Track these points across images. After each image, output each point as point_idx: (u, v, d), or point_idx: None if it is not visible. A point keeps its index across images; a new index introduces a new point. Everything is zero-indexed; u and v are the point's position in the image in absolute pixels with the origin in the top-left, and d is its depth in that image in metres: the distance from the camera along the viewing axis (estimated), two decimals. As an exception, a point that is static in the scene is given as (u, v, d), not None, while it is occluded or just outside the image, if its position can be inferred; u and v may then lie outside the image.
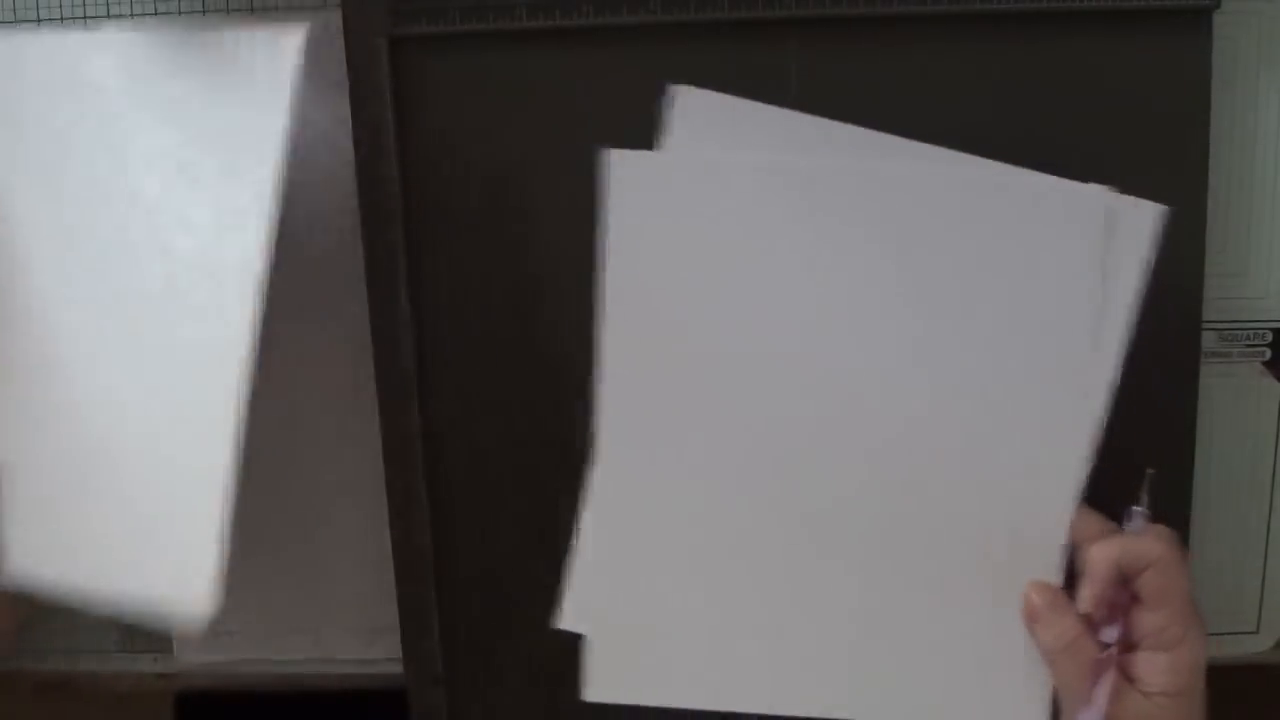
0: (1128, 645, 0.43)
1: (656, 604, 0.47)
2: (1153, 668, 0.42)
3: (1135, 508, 0.44)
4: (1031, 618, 0.45)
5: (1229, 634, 0.52)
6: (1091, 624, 0.43)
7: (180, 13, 0.50)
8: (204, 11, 0.50)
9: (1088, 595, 0.43)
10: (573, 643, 0.50)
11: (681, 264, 0.45)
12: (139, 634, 0.55)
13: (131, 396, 0.45)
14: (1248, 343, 0.50)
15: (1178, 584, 0.42)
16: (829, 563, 0.46)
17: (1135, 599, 0.43)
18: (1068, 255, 0.43)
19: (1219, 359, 0.50)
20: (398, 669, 0.52)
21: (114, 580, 0.45)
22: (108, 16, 0.50)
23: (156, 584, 0.44)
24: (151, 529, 0.44)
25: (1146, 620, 0.42)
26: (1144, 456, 0.48)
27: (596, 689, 0.47)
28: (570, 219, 0.48)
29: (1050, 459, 0.44)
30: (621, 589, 0.47)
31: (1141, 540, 0.43)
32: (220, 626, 0.53)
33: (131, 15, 0.50)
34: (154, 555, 0.44)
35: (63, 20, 0.50)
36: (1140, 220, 0.42)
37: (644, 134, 0.47)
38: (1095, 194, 0.43)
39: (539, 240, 0.48)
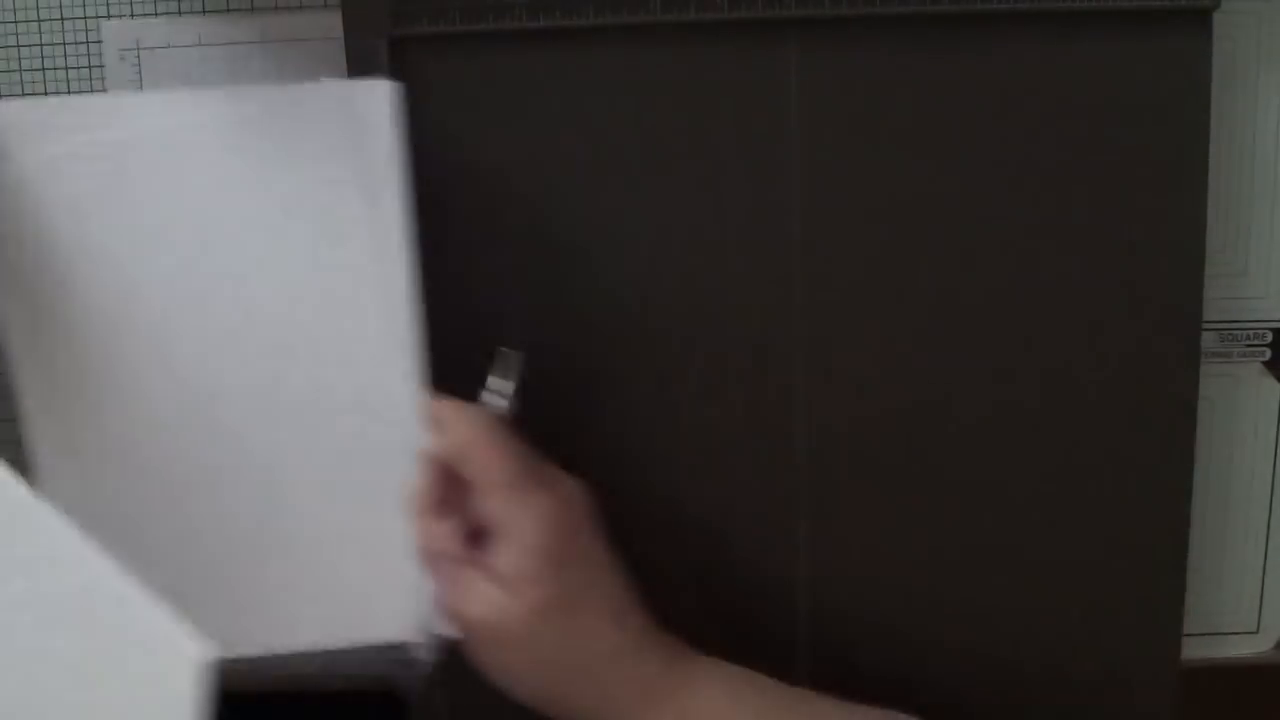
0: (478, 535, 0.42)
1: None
2: (497, 554, 0.41)
3: (483, 389, 0.43)
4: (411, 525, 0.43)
5: (1229, 634, 0.52)
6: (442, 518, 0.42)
7: (180, 13, 0.50)
8: (204, 12, 0.50)
9: (412, 492, 0.42)
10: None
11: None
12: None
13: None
14: (1248, 343, 0.50)
15: (489, 465, 0.41)
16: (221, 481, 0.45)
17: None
18: (327, 154, 0.43)
19: (1219, 359, 0.50)
20: (397, 669, 0.52)
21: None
22: (108, 17, 0.50)
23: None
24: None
25: (480, 507, 0.41)
26: (1144, 456, 0.48)
27: None
28: (570, 217, 0.48)
29: (378, 351, 0.44)
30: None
31: (454, 427, 0.42)
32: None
33: (132, 16, 0.50)
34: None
35: (63, 20, 0.51)
36: (376, 99, 0.43)
37: (644, 133, 0.47)
38: (324, 89, 0.43)
39: (539, 238, 0.48)
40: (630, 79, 0.47)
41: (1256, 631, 0.52)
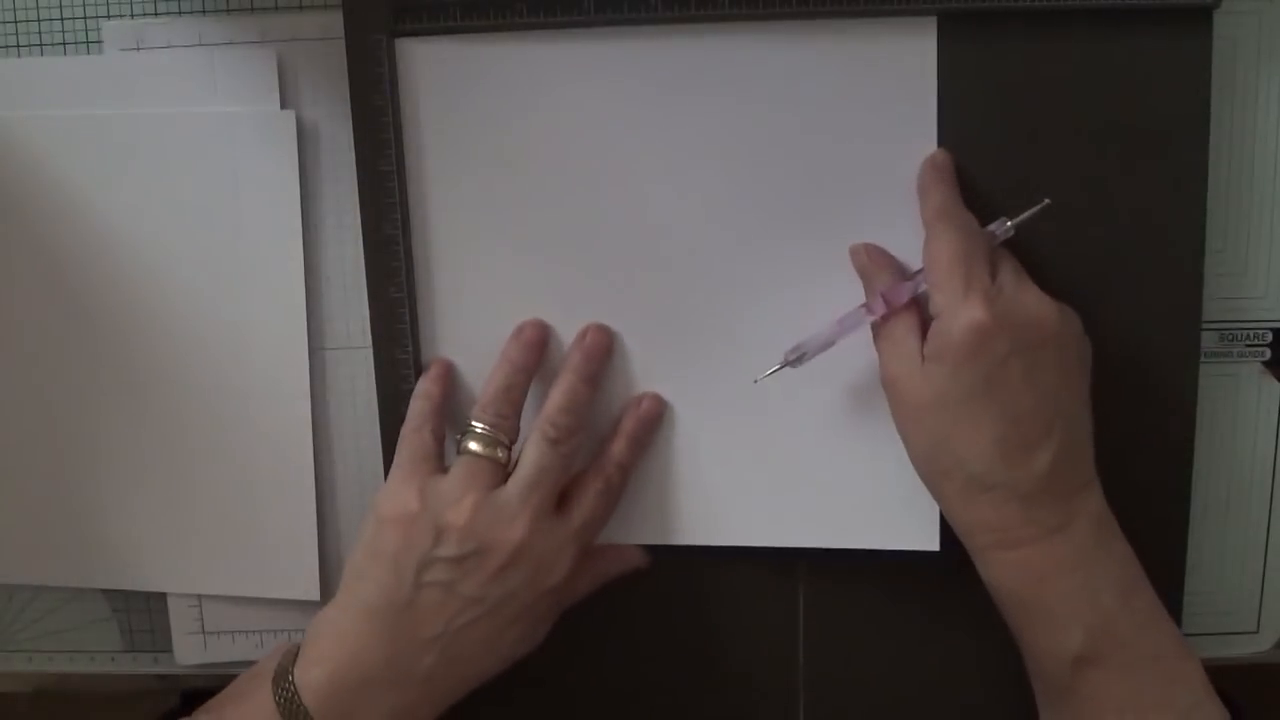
0: None
1: None
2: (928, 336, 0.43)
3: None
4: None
5: (1229, 634, 0.52)
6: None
7: (180, 13, 0.50)
8: (204, 12, 0.50)
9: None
10: (574, 637, 0.50)
11: (504, 146, 0.47)
12: (139, 634, 0.55)
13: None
14: (1248, 343, 0.50)
15: (939, 253, 0.42)
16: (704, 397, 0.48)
17: None
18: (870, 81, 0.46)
19: (1219, 359, 0.50)
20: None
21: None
22: (108, 17, 0.50)
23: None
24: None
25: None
26: (1144, 456, 0.48)
27: None
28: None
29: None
30: None
31: (933, 225, 0.44)
32: (219, 628, 0.54)
33: (131, 16, 0.50)
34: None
35: (63, 20, 0.51)
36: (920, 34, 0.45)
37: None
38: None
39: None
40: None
41: (1256, 631, 0.52)
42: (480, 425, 0.45)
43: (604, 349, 0.48)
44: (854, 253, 0.46)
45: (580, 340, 0.48)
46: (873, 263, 0.46)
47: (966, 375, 0.41)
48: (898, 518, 0.48)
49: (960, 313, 0.41)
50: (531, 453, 0.45)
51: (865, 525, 0.49)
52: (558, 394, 0.46)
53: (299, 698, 0.42)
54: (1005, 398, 0.41)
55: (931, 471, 0.43)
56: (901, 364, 0.43)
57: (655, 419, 0.48)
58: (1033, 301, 0.42)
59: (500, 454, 0.45)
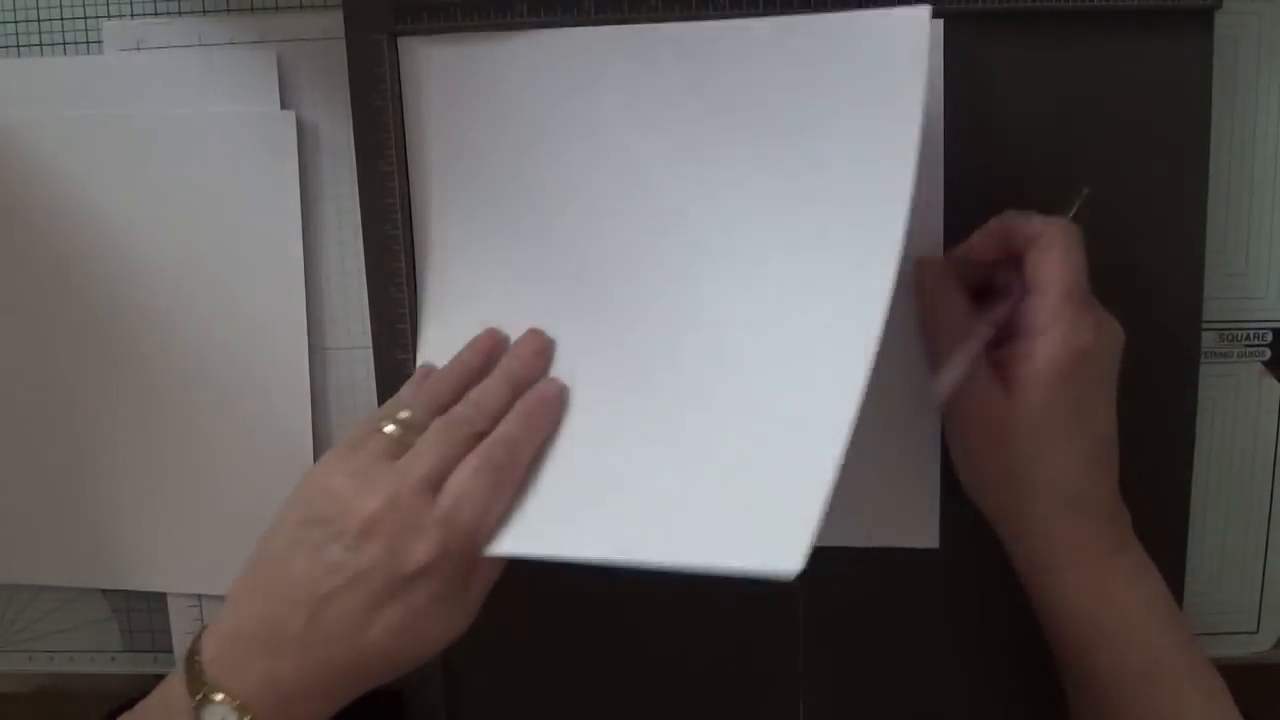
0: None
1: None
2: (1013, 352, 0.42)
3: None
4: (918, 292, 0.45)
5: (1229, 634, 0.52)
6: (972, 308, 0.43)
7: (180, 13, 0.50)
8: (204, 12, 0.50)
9: (969, 243, 0.44)
10: (573, 641, 0.50)
11: (495, 137, 0.47)
12: (139, 634, 0.55)
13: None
14: (1248, 343, 0.50)
15: (1055, 269, 0.41)
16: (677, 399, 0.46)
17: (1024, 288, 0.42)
18: (851, 79, 0.43)
19: (1219, 359, 0.50)
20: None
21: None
22: (108, 17, 0.50)
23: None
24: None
25: (1025, 306, 0.42)
26: (1144, 456, 0.48)
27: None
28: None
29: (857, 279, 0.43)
30: None
31: (1031, 217, 0.43)
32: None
33: (132, 16, 0.50)
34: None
35: (63, 20, 0.51)
36: (914, 29, 0.42)
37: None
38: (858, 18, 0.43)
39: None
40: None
41: (1256, 631, 0.52)
42: (406, 413, 0.45)
43: (541, 359, 0.47)
44: (919, 274, 0.45)
45: (522, 346, 0.47)
46: (940, 288, 0.44)
47: (1065, 396, 0.41)
48: (897, 515, 0.48)
49: (1072, 336, 0.41)
50: (426, 435, 0.43)
51: (864, 524, 0.49)
52: (475, 388, 0.45)
53: (199, 653, 0.41)
54: (1093, 416, 0.42)
55: (1016, 492, 0.42)
56: (974, 389, 0.42)
57: (553, 400, 0.45)
58: (1109, 321, 0.42)
59: (411, 439, 0.44)
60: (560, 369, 0.47)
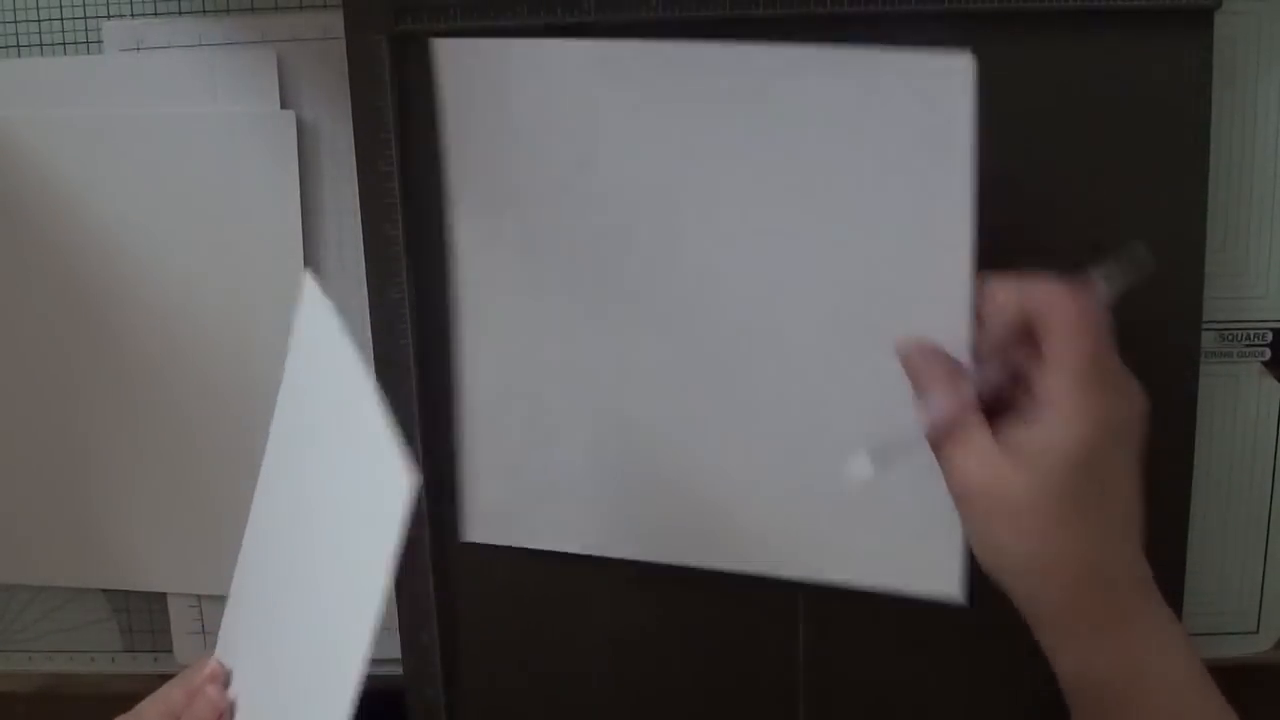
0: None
1: (549, 467, 0.49)
2: (1026, 429, 0.39)
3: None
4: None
5: (1229, 634, 0.52)
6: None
7: (180, 13, 0.50)
8: (204, 12, 0.50)
9: (979, 340, 0.41)
10: (573, 643, 0.50)
11: (529, 149, 0.47)
12: (139, 634, 0.55)
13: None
14: (1248, 343, 0.50)
15: (1068, 350, 0.38)
16: (724, 415, 0.47)
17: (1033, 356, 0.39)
18: (901, 118, 0.43)
19: (1219, 359, 0.50)
20: (397, 669, 0.52)
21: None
22: (108, 17, 0.50)
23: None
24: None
25: (1038, 379, 0.39)
26: (1144, 456, 0.48)
27: (475, 529, 0.49)
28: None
29: (933, 313, 0.43)
30: (510, 459, 0.49)
31: (1041, 285, 0.40)
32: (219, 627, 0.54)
33: (132, 16, 0.50)
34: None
35: (63, 20, 0.51)
36: (957, 70, 0.41)
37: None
38: (901, 59, 0.43)
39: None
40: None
41: (1256, 631, 0.52)
42: None
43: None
44: (903, 356, 0.42)
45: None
46: (926, 364, 0.42)
47: (1080, 478, 0.38)
48: (916, 558, 0.46)
49: (1085, 418, 0.38)
50: None
51: (880, 563, 0.47)
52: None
53: None
54: (1112, 492, 0.39)
55: (1032, 573, 0.40)
56: (985, 468, 0.39)
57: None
58: (1130, 390, 0.40)
59: None
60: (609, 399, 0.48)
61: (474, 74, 0.47)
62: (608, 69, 0.46)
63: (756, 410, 0.47)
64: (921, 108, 0.43)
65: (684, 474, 0.48)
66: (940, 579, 0.46)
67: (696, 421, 0.48)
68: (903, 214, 0.44)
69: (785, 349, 0.46)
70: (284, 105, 0.50)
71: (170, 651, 0.54)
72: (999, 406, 0.40)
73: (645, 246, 0.47)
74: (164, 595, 0.54)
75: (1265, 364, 0.50)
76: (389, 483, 0.33)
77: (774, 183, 0.45)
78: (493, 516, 0.50)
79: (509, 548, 0.50)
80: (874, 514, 0.46)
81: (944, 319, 0.43)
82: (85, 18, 0.51)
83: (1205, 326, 0.48)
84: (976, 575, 0.43)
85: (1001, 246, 0.46)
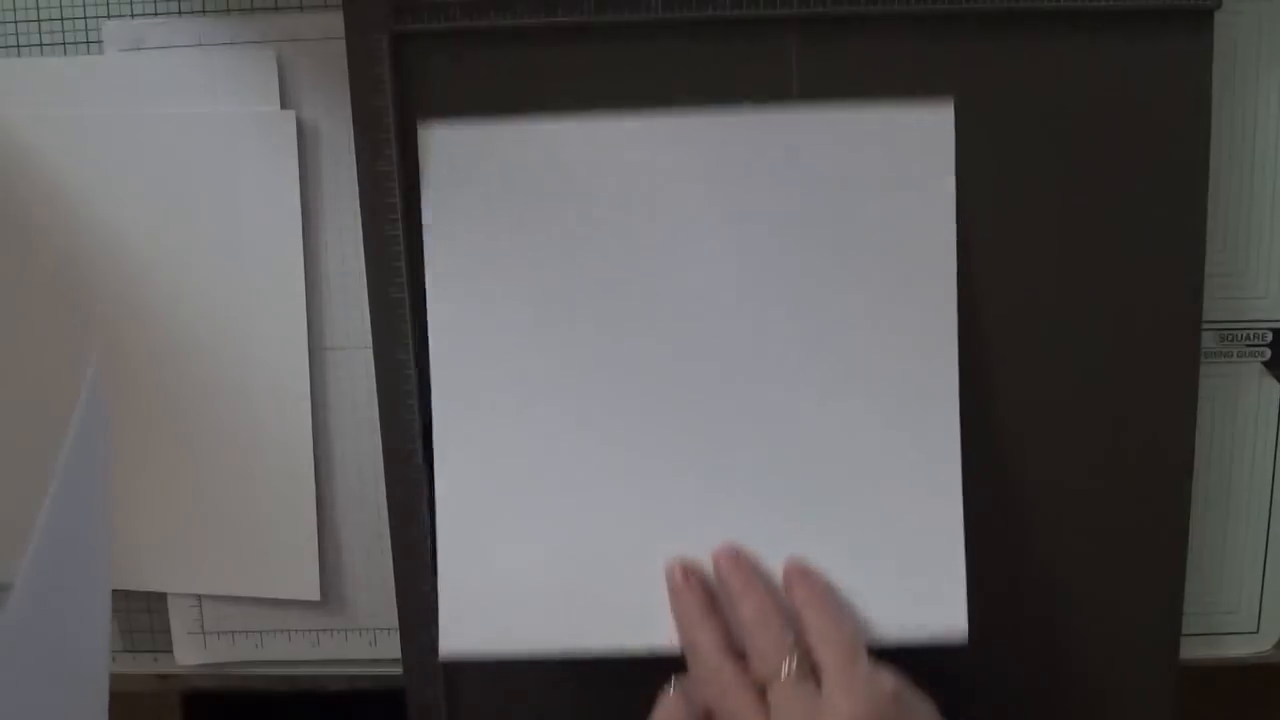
0: None
1: (524, 560, 0.47)
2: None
3: None
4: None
5: (1229, 634, 0.52)
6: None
7: (180, 13, 0.50)
8: (204, 12, 0.50)
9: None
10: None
11: (510, 230, 0.47)
12: (139, 634, 0.55)
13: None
14: (1248, 343, 0.50)
15: (835, 637, 0.42)
16: (702, 496, 0.47)
17: None
18: (883, 172, 0.45)
19: (1219, 359, 0.50)
20: (398, 669, 0.52)
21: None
22: (108, 17, 0.50)
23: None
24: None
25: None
26: (1144, 457, 0.48)
27: (450, 641, 0.48)
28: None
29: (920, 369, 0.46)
30: (486, 556, 0.48)
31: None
32: (219, 628, 0.54)
33: (132, 16, 0.50)
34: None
35: (63, 20, 0.51)
36: (938, 121, 0.45)
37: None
38: (885, 114, 0.45)
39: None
40: (631, 76, 0.47)
41: (1256, 631, 0.52)
42: None
43: None
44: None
45: None
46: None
47: None
48: (917, 603, 0.46)
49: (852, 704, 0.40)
50: None
51: (880, 616, 0.46)
52: None
53: None
54: None
55: None
56: None
57: None
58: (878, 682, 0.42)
59: None
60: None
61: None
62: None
63: (743, 480, 0.46)
64: (903, 158, 0.45)
65: (670, 551, 0.47)
66: (945, 618, 0.45)
67: (684, 499, 0.47)
68: (888, 266, 0.45)
69: (772, 414, 0.46)
70: (284, 105, 0.50)
71: (170, 651, 0.54)
72: None
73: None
74: (164, 595, 0.54)
75: (1265, 364, 0.50)
76: None
77: (757, 245, 0.46)
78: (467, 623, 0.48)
79: (506, 544, 0.50)
80: (869, 569, 0.46)
81: (929, 362, 0.45)
82: (85, 18, 0.51)
83: (1205, 326, 0.48)
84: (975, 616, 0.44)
85: (1002, 246, 0.46)
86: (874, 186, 0.45)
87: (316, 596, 0.52)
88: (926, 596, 0.45)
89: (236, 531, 0.52)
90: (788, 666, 0.41)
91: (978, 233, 0.47)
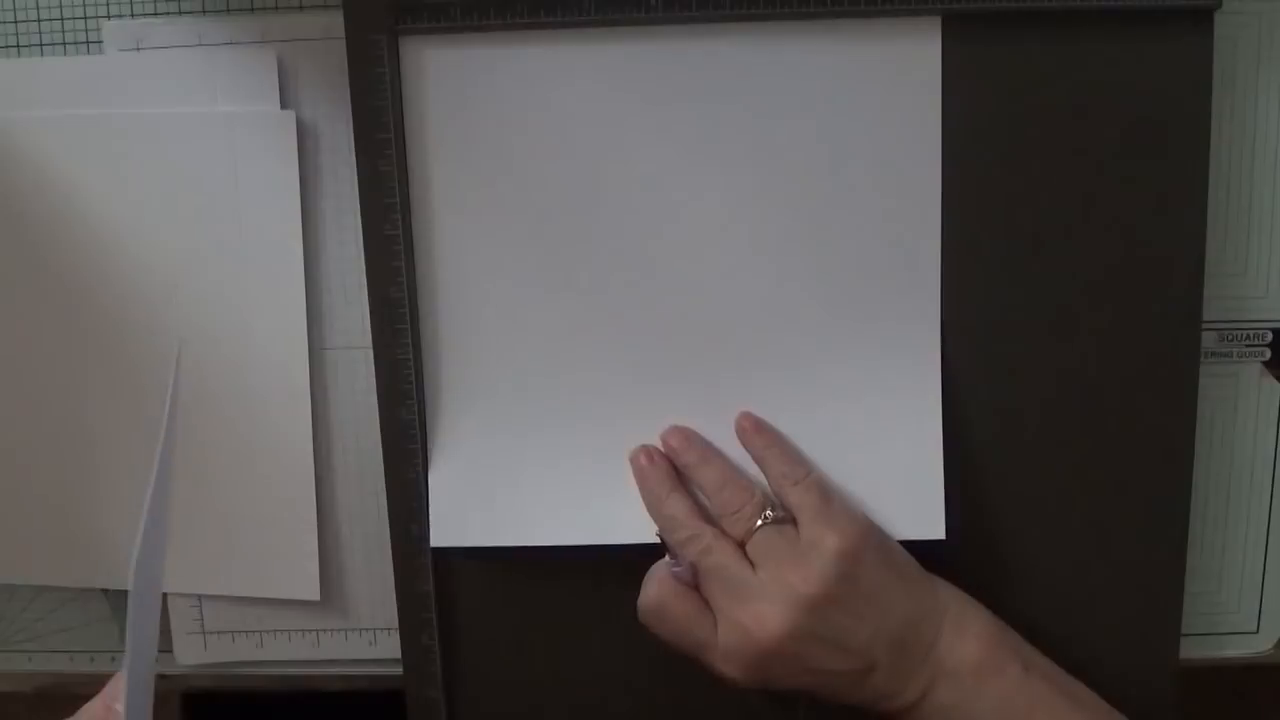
0: None
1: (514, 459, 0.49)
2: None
3: None
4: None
5: (1229, 634, 0.52)
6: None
7: (180, 13, 0.50)
8: (204, 12, 0.50)
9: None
10: (574, 644, 0.50)
11: (500, 148, 0.47)
12: (139, 634, 0.55)
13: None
14: (1248, 343, 0.50)
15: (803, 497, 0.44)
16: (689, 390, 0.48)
17: None
18: (873, 81, 0.46)
19: (1219, 359, 0.50)
20: (398, 669, 0.52)
21: None
22: (108, 17, 0.50)
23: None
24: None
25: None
26: (1144, 456, 0.48)
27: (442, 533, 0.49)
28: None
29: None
30: (477, 449, 0.49)
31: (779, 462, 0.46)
32: (219, 628, 0.54)
33: (132, 16, 0.50)
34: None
35: (63, 20, 0.51)
36: (925, 34, 0.45)
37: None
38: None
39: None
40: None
41: (1256, 631, 0.52)
42: None
43: None
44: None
45: None
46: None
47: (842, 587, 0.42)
48: (898, 505, 0.47)
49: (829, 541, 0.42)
50: None
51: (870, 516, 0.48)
52: None
53: None
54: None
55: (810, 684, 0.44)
56: (750, 602, 0.43)
57: None
58: (851, 519, 0.44)
59: None
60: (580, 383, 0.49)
61: (435, 72, 0.47)
62: (574, 69, 0.47)
63: (728, 385, 0.48)
64: (892, 70, 0.46)
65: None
66: (923, 523, 0.47)
67: (681, 402, 0.48)
68: (876, 182, 0.46)
69: (761, 333, 0.47)
70: (284, 105, 0.50)
71: (170, 651, 0.54)
72: None
73: (619, 238, 0.48)
74: (164, 595, 0.54)
75: (1265, 364, 0.50)
76: None
77: (748, 167, 0.47)
78: (454, 517, 0.50)
79: (509, 547, 0.50)
80: (854, 469, 0.47)
81: (915, 282, 0.47)
82: (85, 18, 0.51)
83: (1205, 326, 0.48)
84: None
85: (1002, 246, 0.46)
86: (861, 99, 0.46)
87: (316, 596, 0.52)
88: (906, 503, 0.47)
89: (236, 531, 0.52)
90: (762, 517, 0.43)
91: (977, 232, 0.47)
